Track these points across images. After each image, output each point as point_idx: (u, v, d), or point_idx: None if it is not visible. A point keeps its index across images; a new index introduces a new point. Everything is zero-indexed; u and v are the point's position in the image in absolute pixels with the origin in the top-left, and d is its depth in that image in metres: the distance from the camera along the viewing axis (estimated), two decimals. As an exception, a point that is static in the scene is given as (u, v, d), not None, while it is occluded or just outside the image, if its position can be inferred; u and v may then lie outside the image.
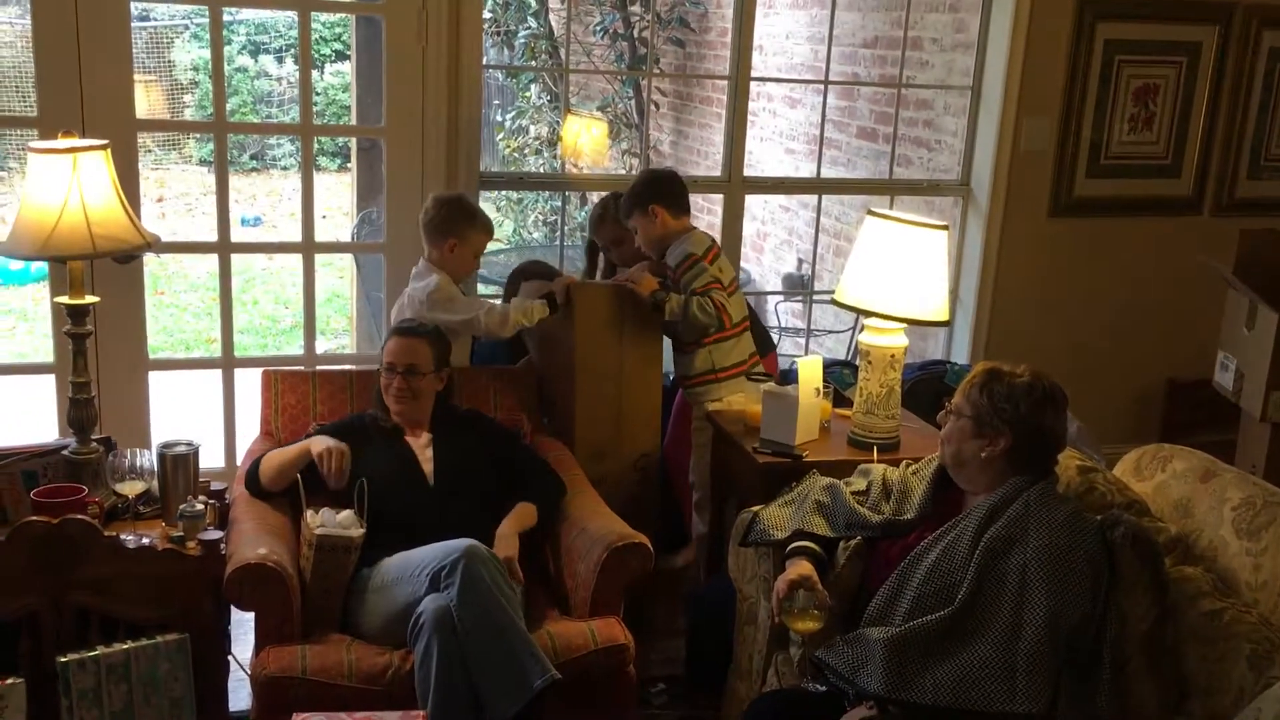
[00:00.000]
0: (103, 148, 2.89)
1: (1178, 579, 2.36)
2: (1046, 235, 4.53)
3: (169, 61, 12.13)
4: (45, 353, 6.34)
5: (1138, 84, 4.48)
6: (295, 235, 4.33)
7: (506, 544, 2.80)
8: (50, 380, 3.71)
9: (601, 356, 3.35)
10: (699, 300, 3.32)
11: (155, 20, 11.93)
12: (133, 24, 3.66)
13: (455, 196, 3.43)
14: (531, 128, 8.34)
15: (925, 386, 4.02)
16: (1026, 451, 2.37)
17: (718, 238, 3.79)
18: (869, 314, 3.11)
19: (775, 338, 6.44)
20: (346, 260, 7.30)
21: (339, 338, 7.48)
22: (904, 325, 3.11)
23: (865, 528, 2.54)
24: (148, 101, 11.51)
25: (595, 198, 4.10)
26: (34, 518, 2.59)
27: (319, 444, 2.88)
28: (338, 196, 10.79)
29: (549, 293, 3.31)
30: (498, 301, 3.52)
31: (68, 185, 2.79)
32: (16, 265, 7.74)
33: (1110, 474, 2.66)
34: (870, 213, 3.17)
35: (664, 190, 3.45)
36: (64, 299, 2.92)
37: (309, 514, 2.73)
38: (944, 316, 3.14)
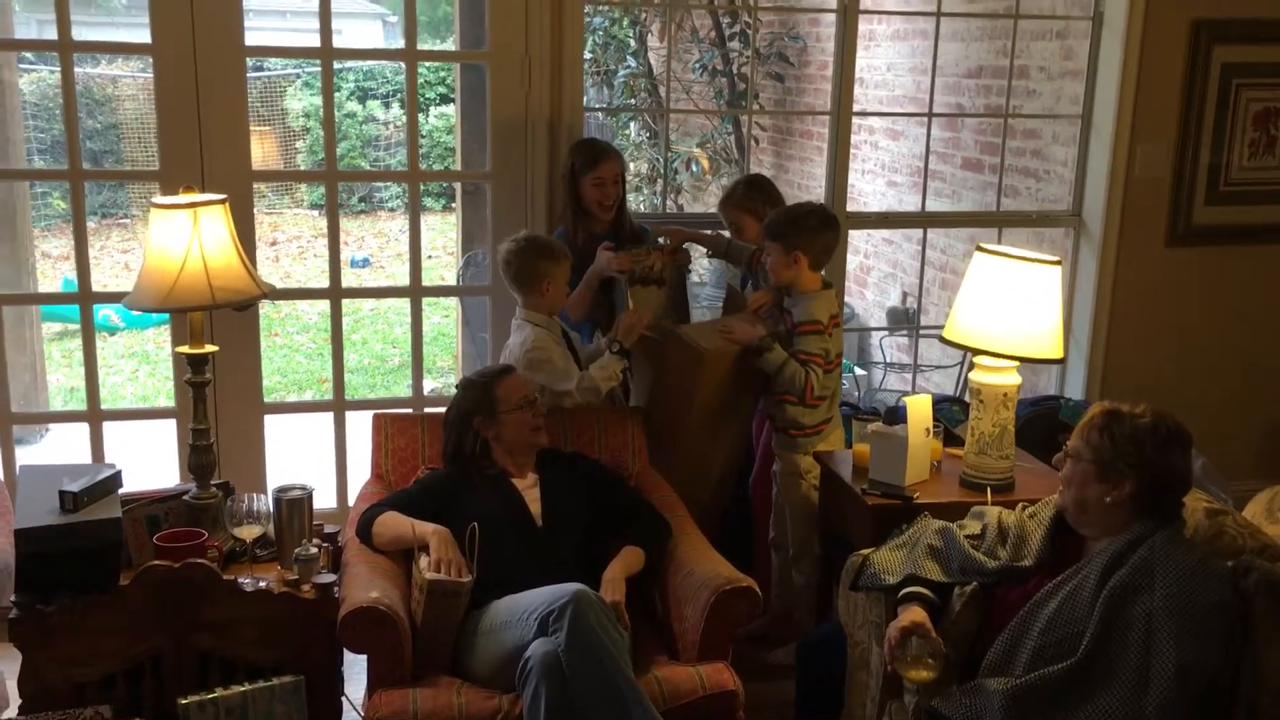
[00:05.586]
0: (221, 202, 2.98)
1: (1318, 628, 2.24)
2: (1164, 265, 4.40)
3: (282, 110, 12.56)
4: (166, 395, 6.57)
5: (1258, 108, 4.33)
6: (403, 275, 4.41)
7: (613, 588, 2.79)
8: (171, 424, 3.83)
9: (723, 407, 3.45)
10: (796, 368, 3.29)
11: (269, 70, 12.37)
12: (248, 74, 3.78)
13: (524, 241, 3.36)
14: (631, 165, 8.38)
15: (1039, 423, 3.92)
16: (1152, 496, 2.28)
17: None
18: (980, 352, 3.04)
19: (880, 373, 6.38)
20: (452, 299, 7.43)
21: (445, 376, 7.59)
22: (1016, 363, 3.03)
23: (981, 573, 2.47)
24: (262, 150, 11.95)
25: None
26: (157, 562, 2.67)
27: (437, 546, 2.78)
28: (443, 236, 11.01)
29: (619, 345, 3.33)
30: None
31: (188, 239, 2.88)
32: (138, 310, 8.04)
33: (1240, 516, 2.54)
34: (979, 248, 3.10)
35: (815, 243, 3.34)
36: (185, 348, 3.01)
37: (421, 559, 2.76)
38: (1058, 354, 3.05)
